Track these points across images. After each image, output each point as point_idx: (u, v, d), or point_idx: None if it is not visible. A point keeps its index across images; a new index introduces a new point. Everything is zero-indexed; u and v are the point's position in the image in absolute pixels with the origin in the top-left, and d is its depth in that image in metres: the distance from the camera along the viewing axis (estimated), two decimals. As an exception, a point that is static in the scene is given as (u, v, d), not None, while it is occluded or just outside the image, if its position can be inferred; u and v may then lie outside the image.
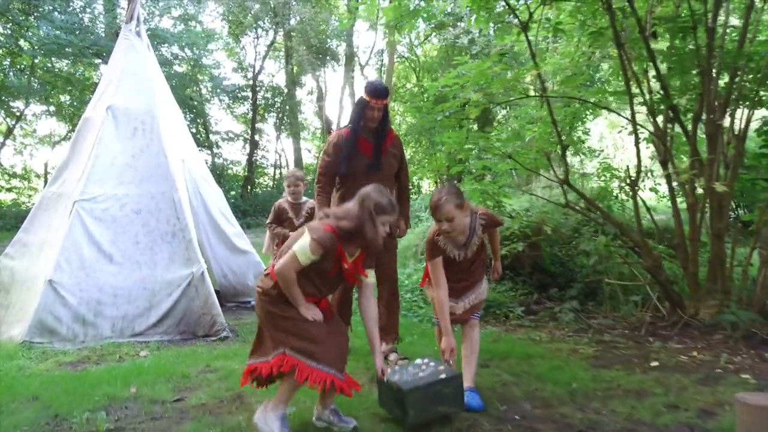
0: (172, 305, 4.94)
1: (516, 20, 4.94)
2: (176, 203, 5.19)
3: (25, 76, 15.00)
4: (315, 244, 2.55)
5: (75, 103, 16.34)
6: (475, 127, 16.19)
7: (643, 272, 5.16)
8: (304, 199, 5.24)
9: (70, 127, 17.22)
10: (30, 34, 13.80)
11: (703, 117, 4.60)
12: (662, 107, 4.84)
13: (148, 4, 15.17)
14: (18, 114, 16.06)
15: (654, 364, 3.74)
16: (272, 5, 15.37)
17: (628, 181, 4.75)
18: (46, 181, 17.09)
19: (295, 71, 18.83)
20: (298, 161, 20.98)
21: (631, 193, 5.16)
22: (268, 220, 5.35)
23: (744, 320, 4.22)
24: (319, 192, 3.99)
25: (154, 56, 5.89)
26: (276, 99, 19.46)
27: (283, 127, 20.34)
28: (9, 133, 16.28)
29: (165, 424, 2.97)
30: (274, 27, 17.10)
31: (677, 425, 2.75)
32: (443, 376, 2.87)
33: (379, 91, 3.89)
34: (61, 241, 4.89)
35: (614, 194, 5.51)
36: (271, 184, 20.54)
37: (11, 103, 15.71)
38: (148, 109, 5.40)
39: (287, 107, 19.28)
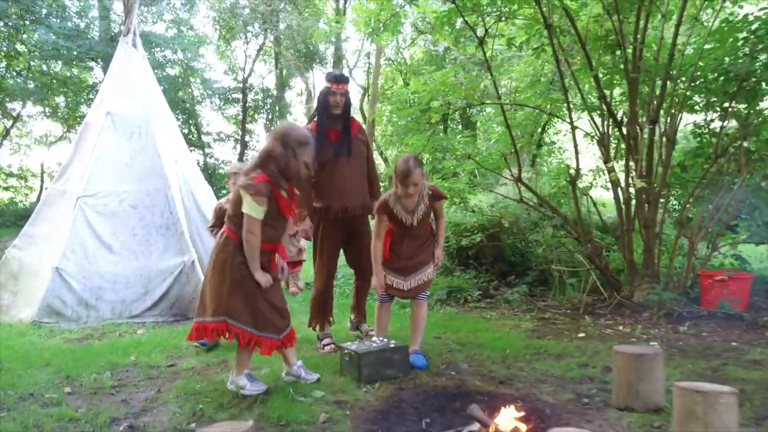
0: (165, 291, 5.52)
1: (474, 36, 5.56)
2: (169, 199, 5.77)
3: (22, 78, 15.45)
4: (258, 197, 2.91)
5: (70, 105, 16.81)
6: (460, 126, 16.87)
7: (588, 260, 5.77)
8: None
9: (66, 128, 17.68)
10: (25, 36, 14.26)
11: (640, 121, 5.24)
12: (602, 112, 5.46)
13: (142, 8, 15.64)
14: (15, 115, 16.51)
15: (581, 335, 4.36)
16: (261, 12, 15.92)
17: (568, 179, 5.35)
18: (42, 180, 17.56)
19: (283, 74, 19.40)
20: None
21: (590, 189, 5.84)
22: (210, 224, 4.82)
23: (666, 300, 4.85)
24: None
25: (149, 65, 6.47)
26: (266, 100, 20.03)
27: (272, 127, 20.91)
28: (6, 133, 16.73)
29: (161, 381, 3.54)
30: (263, 32, 17.65)
31: (581, 377, 3.36)
32: (392, 345, 3.48)
33: (339, 77, 4.15)
34: (66, 233, 5.46)
35: (562, 192, 6.10)
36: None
37: (8, 104, 16.16)
38: (144, 115, 5.97)
39: (277, 109, 19.85)
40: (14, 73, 15.30)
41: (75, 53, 13.34)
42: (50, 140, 18.50)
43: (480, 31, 5.54)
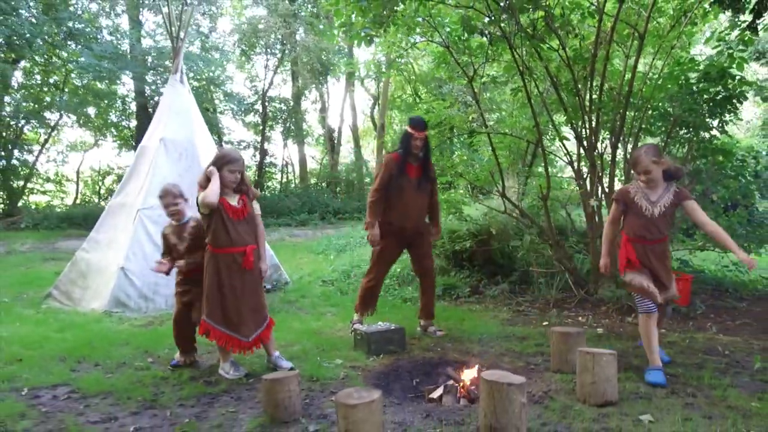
0: (209, 287, 6.67)
1: (465, 74, 6.66)
2: (211, 211, 6.92)
3: (59, 91, 16.77)
4: (201, 199, 3.76)
5: (103, 115, 18.15)
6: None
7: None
8: (188, 217, 4.38)
9: (97, 136, 19.01)
10: (64, 54, 15.56)
11: (601, 147, 6.33)
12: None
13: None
14: (52, 125, 17.88)
15: (545, 323, 5.46)
16: (281, 34, 17.17)
17: (541, 195, 6.44)
18: (78, 185, 18.90)
19: (300, 88, 20.64)
20: (303, 165, 22.84)
21: (567, 201, 6.92)
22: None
23: (619, 296, 5.92)
24: (372, 203, 4.92)
25: (193, 97, 7.63)
26: (283, 108, 21.27)
27: (290, 134, 22.14)
28: (45, 142, 18.10)
29: (215, 356, 4.68)
30: (283, 52, 18.88)
31: (535, 352, 4.45)
32: (393, 328, 4.61)
33: (418, 125, 4.89)
34: (127, 238, 6.64)
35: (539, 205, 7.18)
36: (278, 187, 22.40)
37: (45, 115, 17.51)
38: (189, 139, 7.14)
39: (293, 118, 21.09)
40: (51, 87, 16.63)
41: (114, 73, 14.62)
42: (85, 148, 19.84)
43: (470, 70, 6.65)
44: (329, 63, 18.63)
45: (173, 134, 7.08)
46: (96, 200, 18.59)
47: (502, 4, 5.59)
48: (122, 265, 6.45)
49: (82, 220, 14.57)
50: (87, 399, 3.67)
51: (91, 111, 18.68)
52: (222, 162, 3.82)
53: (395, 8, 5.01)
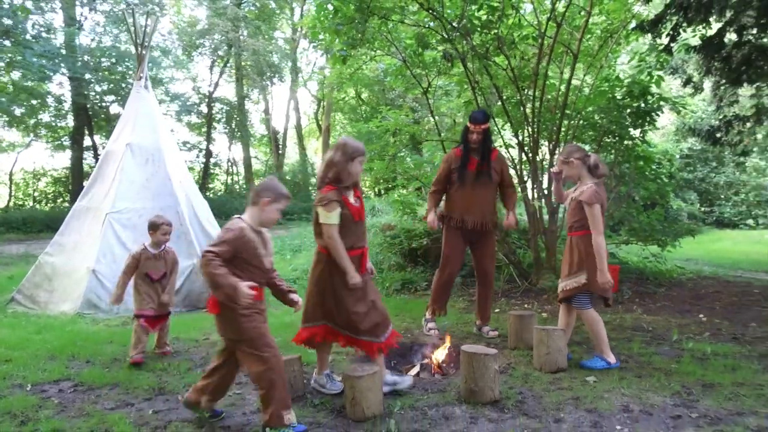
0: (179, 287, 6.91)
1: (420, 86, 7.27)
2: (179, 213, 7.17)
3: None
4: (328, 206, 3.32)
5: (36, 114, 17.47)
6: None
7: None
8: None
9: (32, 137, 18.28)
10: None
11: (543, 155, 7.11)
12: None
13: (107, 27, 16.54)
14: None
15: (497, 310, 6.15)
16: (229, 39, 17.24)
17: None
18: (11, 188, 18.11)
19: (245, 90, 20.72)
20: (248, 166, 22.86)
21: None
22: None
23: (557, 286, 6.70)
24: (430, 195, 5.07)
25: (157, 103, 7.82)
26: (227, 109, 21.25)
27: (234, 135, 22.12)
28: (-26, 144, 17.26)
29: (204, 348, 5.03)
30: (228, 54, 18.93)
31: (491, 338, 5.10)
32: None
33: (477, 119, 4.81)
34: (96, 242, 6.79)
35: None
36: (223, 189, 22.32)
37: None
38: (156, 145, 7.35)
39: (238, 119, 21.12)
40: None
41: (53, 72, 14.22)
42: (17, 148, 19.03)
43: (424, 82, 7.27)
44: (274, 66, 18.85)
45: (140, 139, 7.26)
46: (30, 203, 17.89)
47: (455, 24, 6.22)
48: (92, 267, 6.60)
49: (21, 224, 14.11)
50: (94, 390, 3.95)
51: (23, 111, 17.96)
52: (357, 153, 3.45)
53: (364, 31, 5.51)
